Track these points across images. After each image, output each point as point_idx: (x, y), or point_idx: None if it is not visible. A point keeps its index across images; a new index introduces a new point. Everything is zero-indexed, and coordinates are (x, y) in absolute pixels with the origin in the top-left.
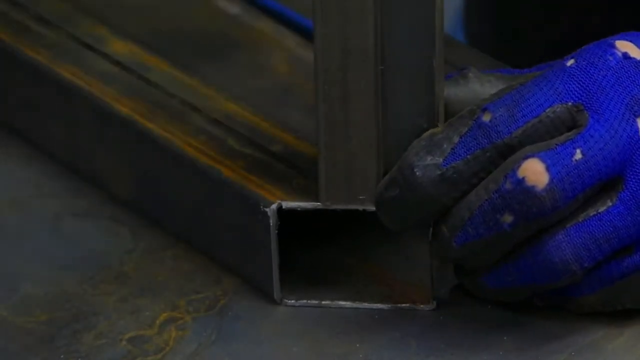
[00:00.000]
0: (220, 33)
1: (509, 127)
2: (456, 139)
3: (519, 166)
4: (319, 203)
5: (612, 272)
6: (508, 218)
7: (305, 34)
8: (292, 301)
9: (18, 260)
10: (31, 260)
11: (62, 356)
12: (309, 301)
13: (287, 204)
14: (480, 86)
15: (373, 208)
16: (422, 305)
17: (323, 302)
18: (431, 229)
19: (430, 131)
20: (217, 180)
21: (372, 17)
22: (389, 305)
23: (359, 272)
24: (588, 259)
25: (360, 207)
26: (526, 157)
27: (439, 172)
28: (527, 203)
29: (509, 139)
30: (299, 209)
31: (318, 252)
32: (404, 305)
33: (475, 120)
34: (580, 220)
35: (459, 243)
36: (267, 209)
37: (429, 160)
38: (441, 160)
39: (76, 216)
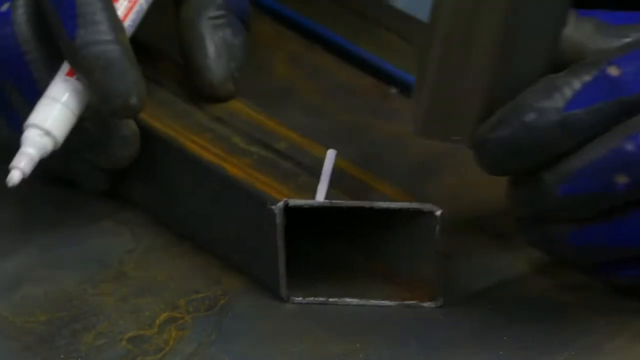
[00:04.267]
0: None
1: (639, 85)
2: (578, 86)
3: None
4: (326, 201)
5: None
6: (623, 179)
7: (305, 34)
8: (299, 299)
9: (18, 260)
10: (31, 260)
11: (62, 356)
12: (315, 298)
13: (294, 202)
14: (577, 31)
15: (465, 145)
16: (428, 303)
17: (330, 300)
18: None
19: (548, 76)
20: (223, 177)
21: None
22: (396, 303)
23: (365, 270)
24: None
25: (452, 145)
26: None
27: (558, 117)
28: None
29: (637, 96)
30: (305, 207)
31: (323, 249)
32: (410, 302)
33: (600, 71)
34: None
35: (563, 193)
36: (273, 207)
37: (548, 103)
38: (562, 104)
39: (76, 216)
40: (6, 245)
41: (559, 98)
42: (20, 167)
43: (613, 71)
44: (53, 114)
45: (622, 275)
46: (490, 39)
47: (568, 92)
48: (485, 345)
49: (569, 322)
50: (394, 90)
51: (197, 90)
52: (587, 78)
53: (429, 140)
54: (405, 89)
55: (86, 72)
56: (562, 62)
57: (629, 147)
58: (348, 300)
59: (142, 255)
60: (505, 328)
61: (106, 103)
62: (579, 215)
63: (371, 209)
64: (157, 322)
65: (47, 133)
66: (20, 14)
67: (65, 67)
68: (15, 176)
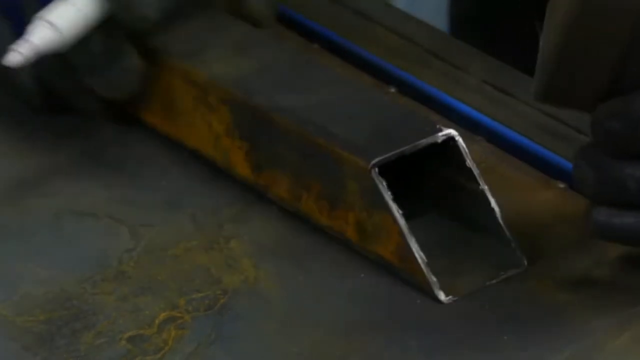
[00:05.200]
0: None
1: None
2: None
3: None
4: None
5: None
6: None
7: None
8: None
9: (18, 260)
10: (31, 259)
11: (61, 355)
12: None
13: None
14: None
15: (585, 111)
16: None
17: None
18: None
19: None
20: None
21: None
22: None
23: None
24: None
25: (570, 109)
26: None
27: None
28: None
29: None
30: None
31: None
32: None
33: None
34: None
35: None
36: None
37: None
38: None
39: (76, 216)
40: (6, 245)
41: None
42: (21, 50)
43: None
44: (63, 11)
45: None
46: (629, 8)
47: None
48: (485, 345)
49: (569, 322)
50: (393, 90)
51: None
52: None
53: (548, 104)
54: (404, 88)
55: None
56: None
57: None
58: None
59: (141, 255)
60: (505, 328)
61: (127, 11)
62: None
63: None
64: (157, 321)
65: (54, 26)
66: None
67: None
68: (14, 57)
